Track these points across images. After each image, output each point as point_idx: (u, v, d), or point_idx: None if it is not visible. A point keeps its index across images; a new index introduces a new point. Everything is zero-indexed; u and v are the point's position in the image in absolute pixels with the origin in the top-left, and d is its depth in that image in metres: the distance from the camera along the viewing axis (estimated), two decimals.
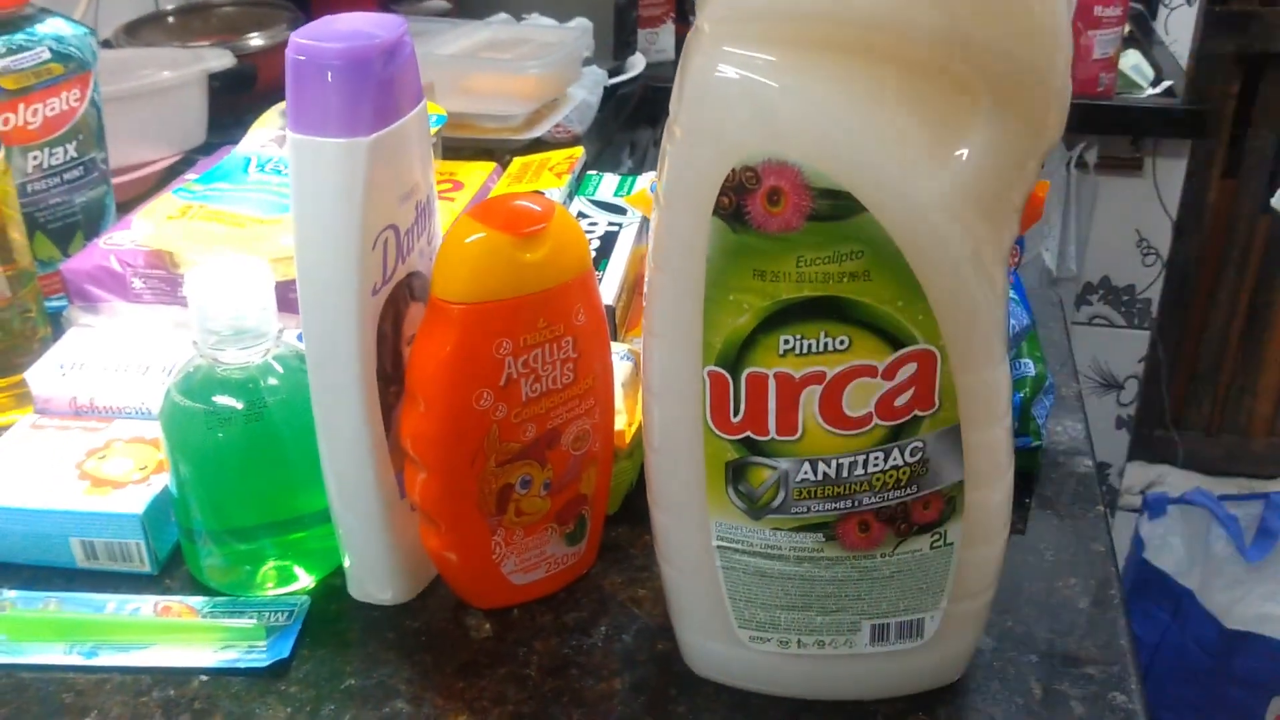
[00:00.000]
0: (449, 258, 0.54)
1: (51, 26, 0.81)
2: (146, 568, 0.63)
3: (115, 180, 0.93)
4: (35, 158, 0.81)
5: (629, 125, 1.59)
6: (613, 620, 0.60)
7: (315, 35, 0.51)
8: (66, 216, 0.85)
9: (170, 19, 1.49)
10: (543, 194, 0.77)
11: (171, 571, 0.64)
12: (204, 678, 0.57)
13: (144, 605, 0.60)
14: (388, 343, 0.56)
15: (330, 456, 0.57)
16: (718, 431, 0.49)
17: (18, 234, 0.73)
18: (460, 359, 0.54)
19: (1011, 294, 0.72)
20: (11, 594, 0.61)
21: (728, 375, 0.48)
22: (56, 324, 0.77)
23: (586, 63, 1.48)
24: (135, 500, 0.62)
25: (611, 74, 1.56)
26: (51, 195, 0.83)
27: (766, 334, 0.47)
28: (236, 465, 0.59)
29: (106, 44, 1.37)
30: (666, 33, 1.81)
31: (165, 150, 1.22)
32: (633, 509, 0.68)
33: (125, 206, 0.89)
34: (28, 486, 0.63)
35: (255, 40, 1.40)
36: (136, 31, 1.43)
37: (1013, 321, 0.69)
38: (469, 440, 0.55)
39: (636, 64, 1.69)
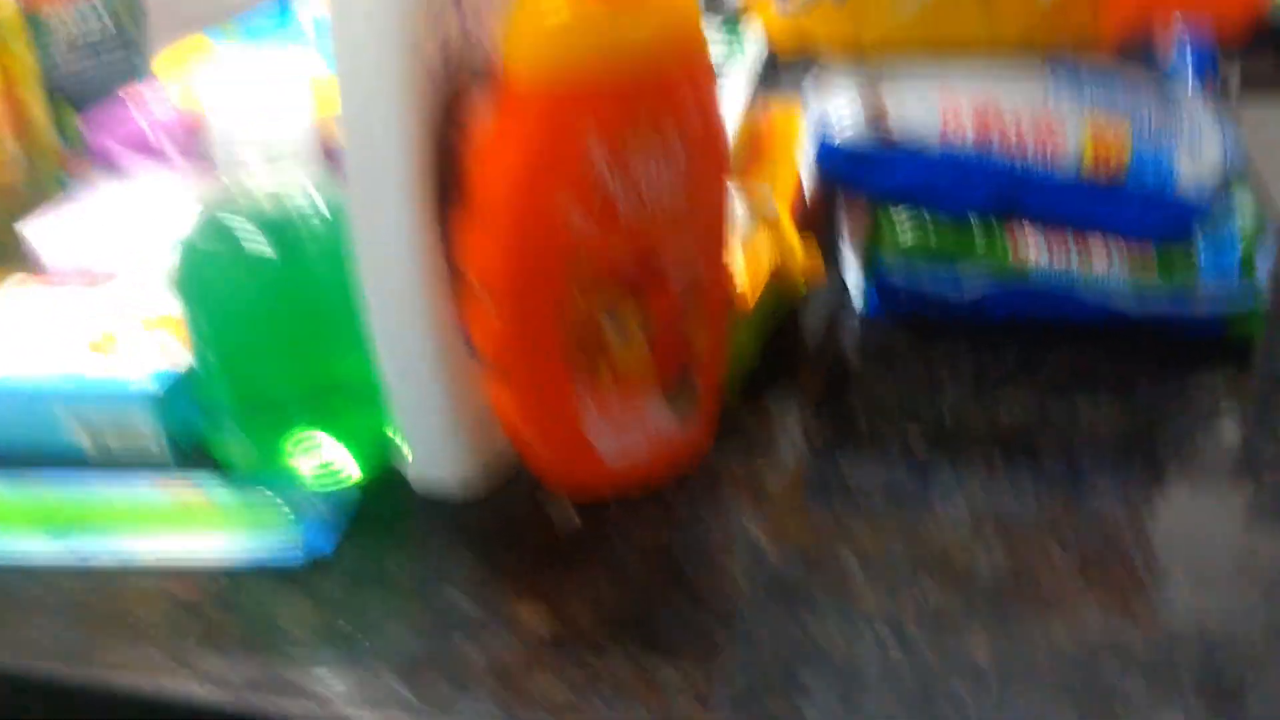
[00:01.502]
0: (521, 27, 0.42)
1: None
2: (164, 455, 0.52)
3: None
4: (63, 24, 0.71)
5: None
6: (735, 509, 0.48)
7: None
8: (103, 97, 0.75)
9: None
10: None
11: (196, 462, 0.53)
12: (221, 574, 0.46)
13: (155, 489, 0.50)
14: (446, 146, 0.44)
15: (375, 293, 0.45)
16: None
17: (38, 111, 0.64)
18: (537, 158, 0.42)
19: (1213, 115, 0.58)
20: None
21: None
22: None
23: None
24: (148, 371, 0.51)
25: None
26: (86, 73, 0.73)
27: None
28: (268, 323, 0.48)
29: None
30: None
31: None
32: (755, 391, 0.55)
33: None
34: (20, 356, 0.53)
35: None
36: None
37: (1227, 145, 0.55)
38: (548, 266, 0.43)
39: None
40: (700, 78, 0.46)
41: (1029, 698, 0.38)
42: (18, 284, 0.58)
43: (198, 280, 0.48)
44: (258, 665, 0.42)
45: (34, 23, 0.69)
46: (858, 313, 0.61)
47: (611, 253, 0.44)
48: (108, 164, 0.67)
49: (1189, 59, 0.61)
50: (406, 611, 0.44)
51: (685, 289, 0.47)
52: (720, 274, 0.49)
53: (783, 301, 0.58)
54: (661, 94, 0.44)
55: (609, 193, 0.43)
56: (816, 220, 0.68)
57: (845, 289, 0.62)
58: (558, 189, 0.42)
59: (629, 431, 0.48)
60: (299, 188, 0.48)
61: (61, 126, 0.73)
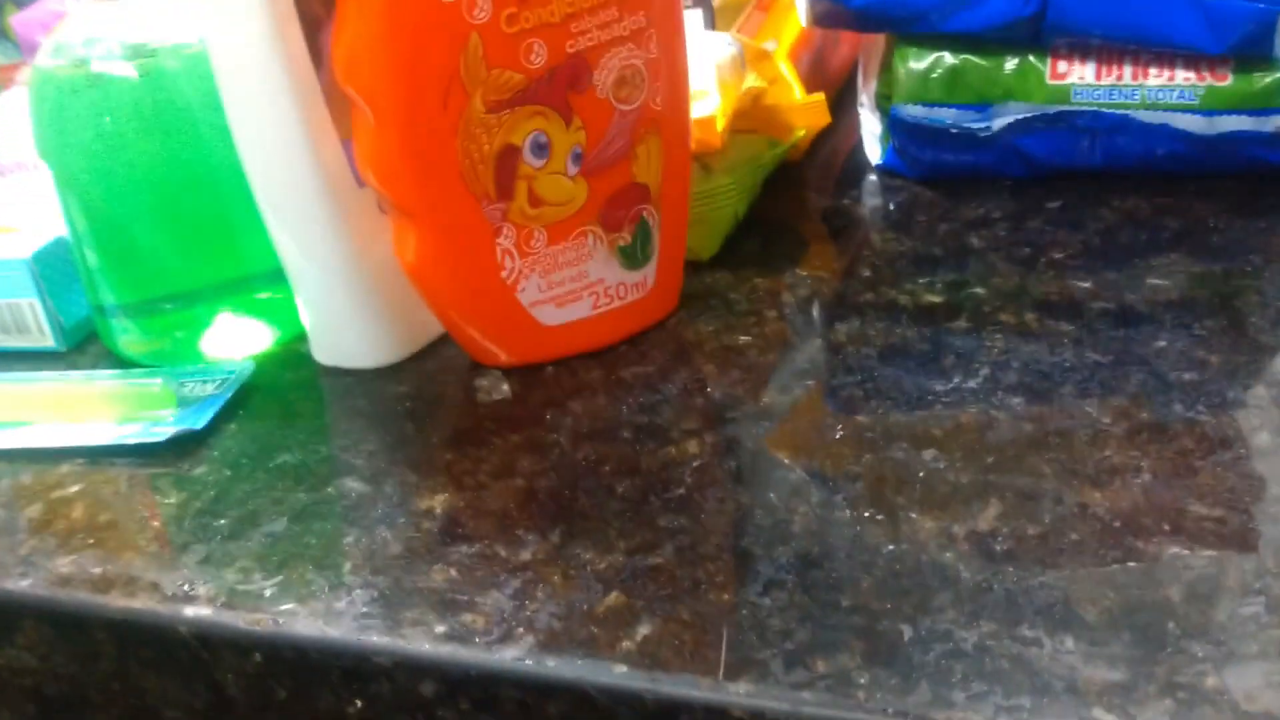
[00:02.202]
0: None
1: None
2: (49, 340, 0.45)
3: None
4: None
5: None
6: (694, 373, 0.39)
7: None
8: None
9: None
10: None
11: (85, 349, 0.46)
12: (79, 461, 0.38)
13: (25, 374, 0.42)
14: None
15: (239, 118, 0.37)
16: None
17: None
18: None
19: None
20: None
21: None
22: None
23: None
24: (25, 244, 0.44)
25: None
26: None
27: None
28: (131, 165, 0.41)
29: None
30: None
31: None
32: (738, 253, 0.46)
33: None
34: None
35: None
36: None
37: None
38: (433, 57, 0.35)
39: None
40: None
41: (1049, 571, 0.29)
42: None
43: (47, 115, 0.40)
44: (107, 562, 0.34)
45: None
46: (873, 165, 0.51)
47: (515, 41, 0.35)
48: (32, 52, 0.60)
49: None
50: (289, 499, 0.36)
51: (624, 91, 0.38)
52: (678, 106, 0.40)
53: (776, 150, 0.49)
54: None
55: None
56: (825, 67, 0.58)
57: (859, 141, 0.53)
58: None
59: (566, 283, 0.39)
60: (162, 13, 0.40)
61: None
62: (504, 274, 0.38)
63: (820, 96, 0.48)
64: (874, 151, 0.51)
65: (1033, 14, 0.45)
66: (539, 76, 0.36)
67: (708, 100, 0.44)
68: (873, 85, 0.51)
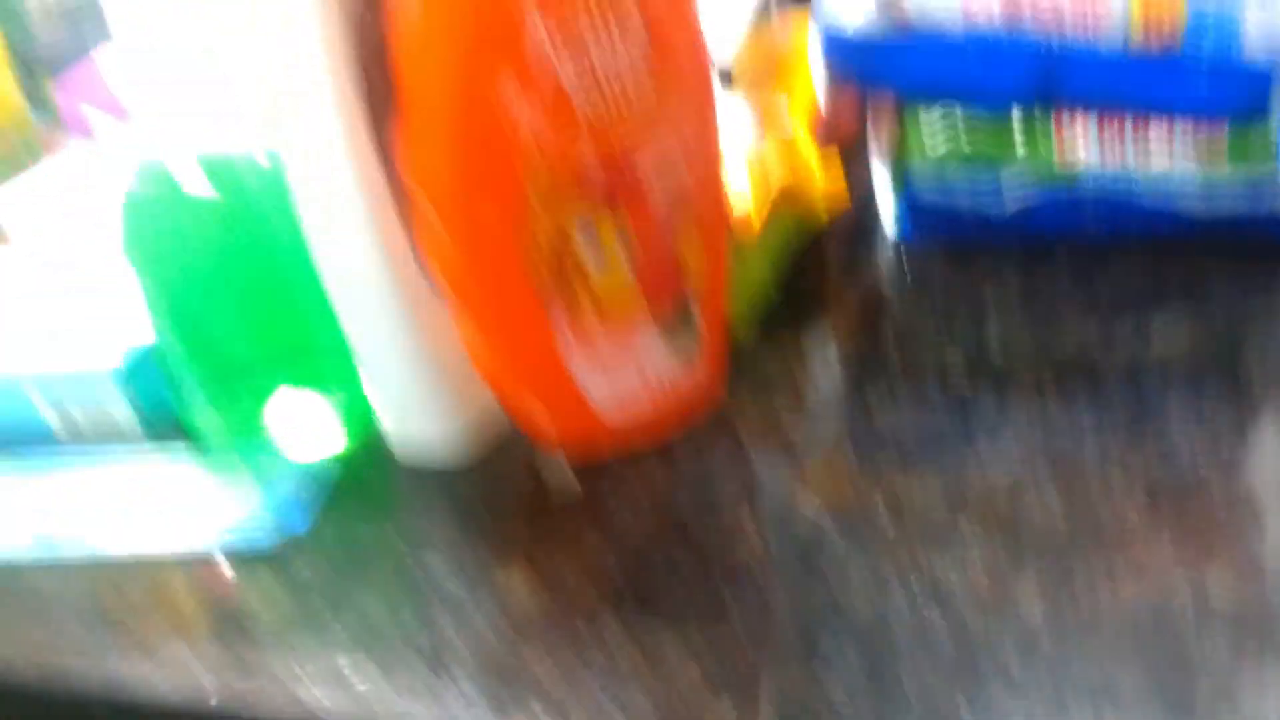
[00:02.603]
0: None
1: None
2: (135, 433, 0.48)
3: None
4: None
5: None
6: (749, 459, 0.42)
7: None
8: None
9: None
10: None
11: (170, 437, 0.49)
12: (178, 566, 0.42)
13: (124, 473, 0.46)
14: (369, 37, 0.39)
15: (315, 226, 0.40)
16: None
17: (6, 80, 0.60)
18: (471, 38, 0.36)
19: None
20: None
21: None
22: None
23: None
24: (112, 353, 0.47)
25: None
26: (65, 42, 0.70)
27: None
28: (221, 274, 0.44)
29: None
30: None
31: None
32: (774, 332, 0.49)
33: None
34: None
35: None
36: None
37: None
38: (498, 169, 0.38)
39: None
40: None
41: (1089, 660, 0.33)
42: None
43: (143, 235, 0.44)
44: (223, 652, 0.38)
45: None
46: (890, 238, 0.55)
47: (572, 153, 0.38)
48: (82, 129, 0.63)
49: None
50: (384, 591, 0.39)
51: (670, 203, 0.41)
52: (713, 188, 0.43)
53: (802, 228, 0.52)
54: None
55: (559, 79, 0.38)
56: (841, 136, 0.61)
57: (876, 213, 0.56)
58: (498, 75, 0.37)
59: (623, 374, 0.42)
60: (237, 128, 0.43)
61: (40, 96, 0.69)
62: (567, 365, 0.41)
63: (841, 186, 0.52)
64: (889, 219, 0.55)
65: (1040, 95, 0.48)
66: (592, 182, 0.39)
67: (744, 198, 0.47)
68: (887, 154, 0.54)
